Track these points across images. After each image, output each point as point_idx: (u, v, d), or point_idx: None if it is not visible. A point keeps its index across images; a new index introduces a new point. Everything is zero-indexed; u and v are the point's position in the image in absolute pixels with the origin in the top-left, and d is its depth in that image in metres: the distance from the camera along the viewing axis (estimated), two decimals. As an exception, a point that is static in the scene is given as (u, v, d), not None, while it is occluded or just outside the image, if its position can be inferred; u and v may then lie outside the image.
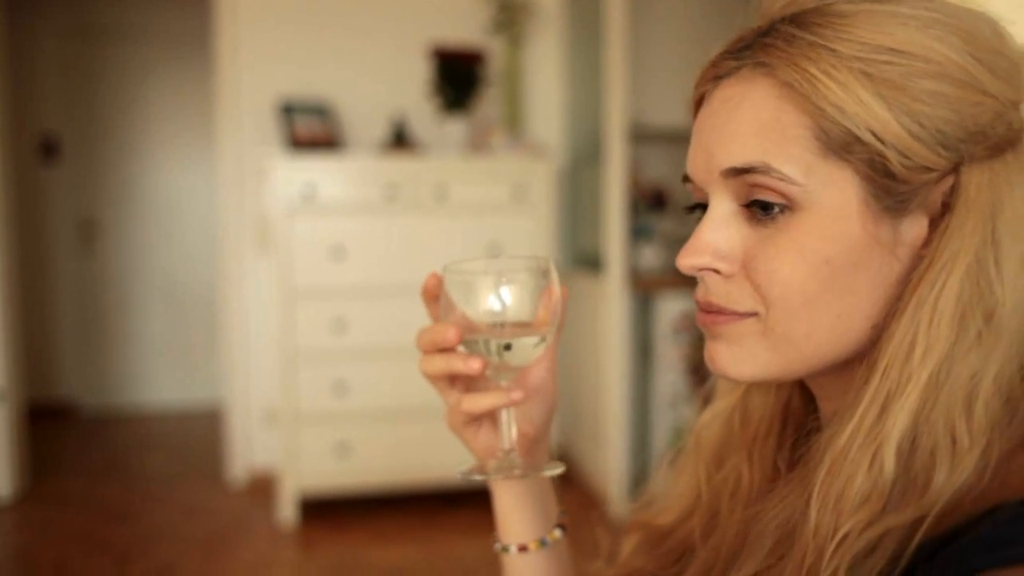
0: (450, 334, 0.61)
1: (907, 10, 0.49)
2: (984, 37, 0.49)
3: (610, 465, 3.22)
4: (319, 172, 3.03)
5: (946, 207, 0.50)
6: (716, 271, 0.54)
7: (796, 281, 0.50)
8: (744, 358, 0.54)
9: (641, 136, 3.54)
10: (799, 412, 0.65)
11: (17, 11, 4.55)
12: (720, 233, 0.53)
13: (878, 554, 0.45)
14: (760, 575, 0.51)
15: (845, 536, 0.46)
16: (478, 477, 0.65)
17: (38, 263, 4.73)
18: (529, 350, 0.63)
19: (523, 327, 0.62)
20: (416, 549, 2.90)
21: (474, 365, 0.62)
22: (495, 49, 3.54)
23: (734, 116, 0.52)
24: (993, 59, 0.49)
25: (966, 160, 0.49)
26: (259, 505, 3.34)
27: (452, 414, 0.67)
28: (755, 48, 0.52)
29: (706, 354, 0.56)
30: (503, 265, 0.62)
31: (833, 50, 0.48)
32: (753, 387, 0.67)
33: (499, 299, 0.61)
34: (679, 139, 3.74)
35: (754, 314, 0.52)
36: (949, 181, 0.49)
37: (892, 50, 0.48)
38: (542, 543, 0.71)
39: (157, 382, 5.01)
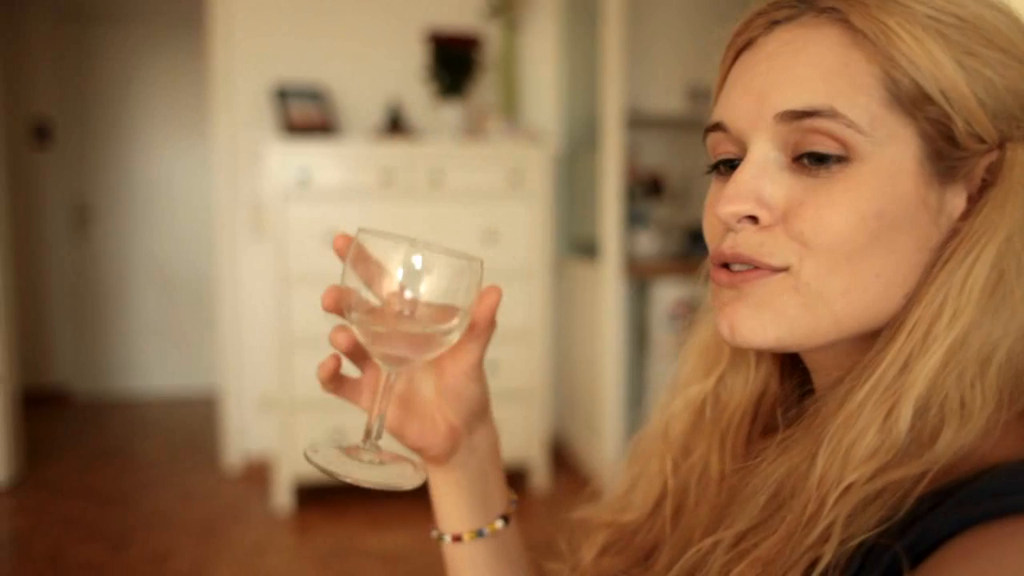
0: (340, 339, 0.60)
1: None
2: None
3: (605, 452, 3.22)
4: (314, 157, 3.02)
5: (985, 183, 0.49)
6: (755, 219, 0.51)
7: (846, 231, 0.48)
8: (770, 320, 0.51)
9: (637, 122, 3.52)
10: (774, 399, 0.64)
11: (8, -6, 4.51)
12: (763, 180, 0.51)
13: (877, 504, 0.45)
14: (753, 531, 0.50)
15: (849, 486, 0.46)
16: (316, 463, 0.57)
17: (32, 248, 4.71)
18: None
19: (434, 310, 0.56)
20: (411, 535, 2.91)
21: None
22: (491, 34, 3.52)
23: (796, 59, 0.50)
24: None
25: (1015, 137, 0.49)
26: (254, 491, 3.34)
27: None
28: None
29: (723, 321, 0.52)
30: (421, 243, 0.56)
31: (907, 7, 0.48)
32: (728, 372, 0.65)
33: (408, 271, 0.55)
34: (676, 125, 3.73)
35: (785, 269, 0.50)
36: (992, 156, 0.49)
37: (961, 19, 0.48)
38: (478, 534, 0.67)
39: (152, 368, 5.00)
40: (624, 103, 3.15)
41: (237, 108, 3.44)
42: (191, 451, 3.90)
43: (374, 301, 0.56)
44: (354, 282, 0.57)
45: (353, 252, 0.57)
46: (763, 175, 0.51)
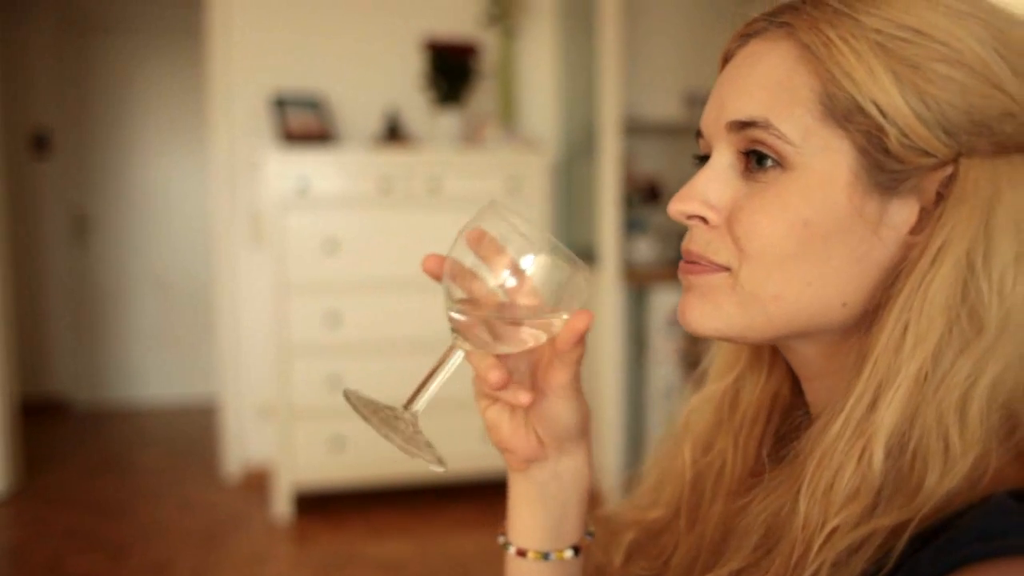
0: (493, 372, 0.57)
1: None
2: (1016, 38, 0.49)
3: (604, 458, 3.22)
4: (312, 165, 3.02)
5: (941, 197, 0.49)
6: (703, 220, 0.54)
7: (773, 237, 0.50)
8: (711, 312, 0.54)
9: (635, 129, 3.53)
10: (787, 403, 0.65)
11: (9, 4, 4.52)
12: (713, 184, 0.54)
13: (862, 553, 0.45)
14: (746, 571, 0.51)
15: (834, 530, 0.46)
16: (352, 401, 0.57)
17: (31, 258, 4.70)
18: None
19: (532, 307, 0.55)
20: (411, 543, 2.90)
21: (523, 400, 0.59)
22: (488, 41, 3.53)
23: (751, 72, 0.53)
24: (1018, 60, 0.48)
25: (967, 152, 0.48)
26: (254, 500, 3.34)
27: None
28: (786, 11, 0.53)
29: (679, 308, 0.57)
30: (540, 237, 0.54)
31: (856, 20, 0.49)
32: (746, 372, 0.66)
33: (518, 259, 0.54)
34: (673, 132, 3.74)
35: (727, 269, 0.53)
36: (947, 171, 0.49)
37: (914, 30, 0.48)
38: (544, 556, 0.64)
39: (150, 377, 4.99)
40: (621, 110, 3.16)
41: (235, 117, 3.45)
42: (190, 460, 3.89)
43: (484, 281, 0.55)
44: (463, 256, 0.55)
45: (474, 227, 0.55)
46: (717, 179, 0.54)
